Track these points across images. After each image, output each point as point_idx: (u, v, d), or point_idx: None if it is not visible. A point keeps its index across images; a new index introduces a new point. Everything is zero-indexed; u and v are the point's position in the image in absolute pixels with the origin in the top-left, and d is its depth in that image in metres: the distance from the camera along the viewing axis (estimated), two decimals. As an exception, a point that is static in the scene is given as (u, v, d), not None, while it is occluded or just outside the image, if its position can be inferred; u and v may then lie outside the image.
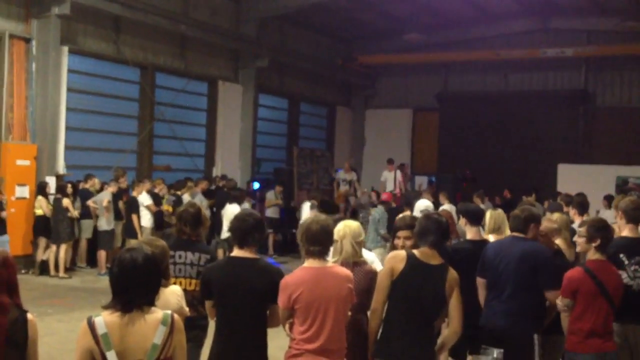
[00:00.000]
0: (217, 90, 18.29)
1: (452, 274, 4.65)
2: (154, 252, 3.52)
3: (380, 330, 4.62)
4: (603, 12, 19.47)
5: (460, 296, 4.68)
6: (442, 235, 4.71)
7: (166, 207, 13.73)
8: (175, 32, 16.38)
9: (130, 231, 13.16)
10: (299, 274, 4.33)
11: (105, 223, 13.25)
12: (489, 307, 5.49)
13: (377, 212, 11.82)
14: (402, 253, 4.65)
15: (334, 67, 22.30)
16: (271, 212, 16.67)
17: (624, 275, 5.32)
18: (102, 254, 13.26)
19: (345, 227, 5.02)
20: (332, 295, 4.28)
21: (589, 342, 4.90)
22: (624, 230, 5.64)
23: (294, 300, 4.23)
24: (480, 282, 5.66)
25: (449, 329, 4.71)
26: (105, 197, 13.21)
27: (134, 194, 13.41)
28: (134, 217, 13.13)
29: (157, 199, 13.69)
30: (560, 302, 5.04)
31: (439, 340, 4.78)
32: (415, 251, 4.65)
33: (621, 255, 5.39)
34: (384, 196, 13.86)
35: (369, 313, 4.69)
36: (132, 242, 12.63)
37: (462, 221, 6.46)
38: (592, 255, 5.06)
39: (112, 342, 3.09)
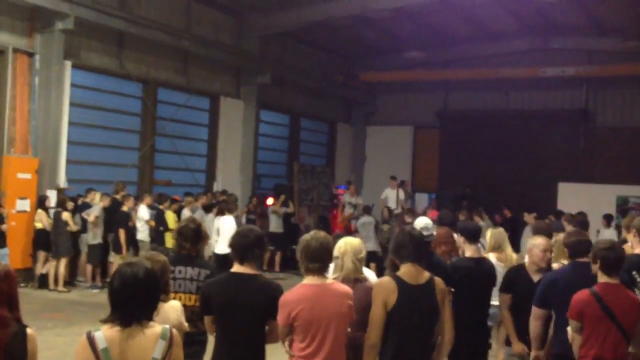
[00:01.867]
0: (218, 106, 18.35)
1: (439, 284, 4.67)
2: (154, 267, 3.52)
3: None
4: (604, 32, 19.57)
5: (450, 305, 4.69)
6: (420, 247, 4.68)
7: (150, 222, 13.69)
8: (178, 48, 16.46)
9: (116, 246, 13.14)
10: (298, 291, 4.32)
11: (91, 237, 13.21)
12: (563, 336, 5.21)
13: None
14: (391, 283, 4.52)
15: (335, 84, 22.37)
16: (274, 227, 16.58)
17: (638, 293, 5.27)
18: (88, 267, 13.25)
19: (347, 244, 5.00)
20: (332, 313, 4.27)
21: None
22: (637, 248, 5.64)
23: (294, 317, 4.22)
24: (539, 313, 5.47)
25: (443, 339, 4.71)
26: (93, 211, 13.18)
27: (124, 208, 13.38)
28: (121, 231, 13.09)
29: (159, 213, 13.69)
30: (570, 325, 4.97)
31: (434, 353, 4.76)
32: (401, 275, 4.57)
33: (634, 273, 5.35)
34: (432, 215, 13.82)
35: (365, 345, 4.60)
36: (116, 257, 12.66)
37: (461, 239, 6.47)
38: (601, 277, 4.89)
39: (112, 357, 3.09)
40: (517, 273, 6.12)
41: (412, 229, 4.91)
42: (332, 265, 4.79)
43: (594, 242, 5.35)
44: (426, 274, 4.63)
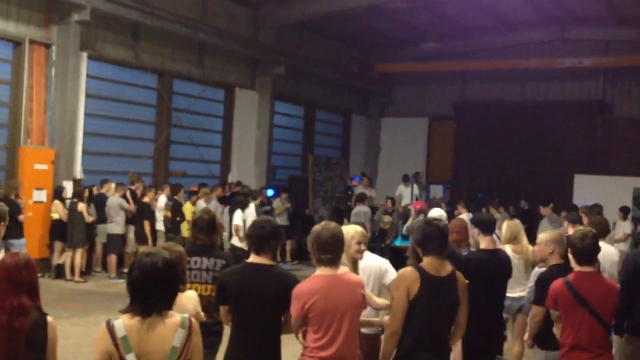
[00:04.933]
0: (233, 97, 18.36)
1: (461, 279, 4.70)
2: (171, 257, 3.53)
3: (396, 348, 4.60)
4: (621, 23, 19.37)
5: (467, 300, 4.72)
6: (445, 241, 4.72)
7: (165, 213, 13.75)
8: (194, 39, 16.47)
9: (140, 237, 13.20)
10: (311, 283, 4.32)
11: (116, 227, 13.34)
12: None
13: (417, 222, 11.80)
14: (414, 272, 4.56)
15: (350, 75, 22.32)
16: (280, 220, 16.59)
17: None
18: (112, 258, 13.35)
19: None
20: (346, 303, 4.28)
21: (573, 355, 4.81)
22: None
23: (308, 308, 4.22)
24: None
25: (456, 330, 4.73)
26: (116, 201, 13.32)
27: (145, 199, 13.46)
28: (146, 223, 13.16)
29: (175, 204, 13.76)
30: (550, 313, 5.08)
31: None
32: (424, 266, 4.60)
33: None
34: (417, 206, 13.79)
35: (386, 332, 4.65)
36: (141, 248, 12.68)
37: (475, 231, 6.45)
38: (575, 266, 5.00)
39: (131, 345, 3.11)
40: None
41: (440, 222, 4.92)
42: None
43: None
44: (448, 267, 4.66)
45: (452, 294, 4.60)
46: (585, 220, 9.12)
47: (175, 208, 13.62)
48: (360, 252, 5.20)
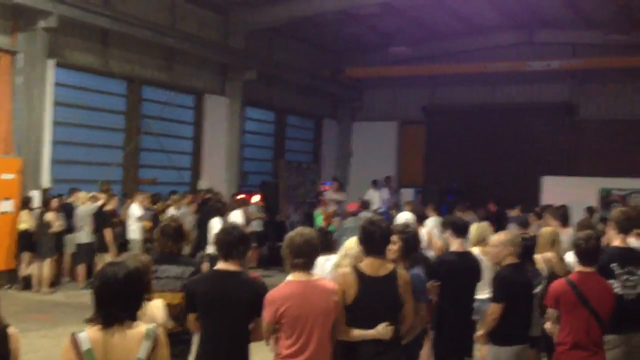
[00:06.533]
0: (203, 103, 18.28)
1: (403, 277, 4.66)
2: (137, 266, 3.50)
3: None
4: (588, 25, 19.67)
5: (412, 296, 4.69)
6: (386, 240, 4.69)
7: (145, 223, 13.59)
8: (163, 45, 16.35)
9: (101, 246, 13.01)
10: (285, 288, 4.31)
11: (84, 236, 13.16)
12: None
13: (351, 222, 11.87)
14: (351, 275, 4.51)
15: (321, 80, 22.35)
16: (254, 226, 16.56)
17: (615, 284, 5.38)
18: (81, 268, 13.16)
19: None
20: (319, 309, 4.27)
21: (572, 353, 4.89)
22: (615, 240, 5.71)
23: (281, 314, 4.21)
24: None
25: (405, 325, 4.73)
26: (85, 209, 13.14)
27: (108, 207, 13.28)
28: (106, 231, 12.93)
29: (156, 215, 13.62)
30: (547, 312, 5.16)
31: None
32: (362, 267, 4.56)
33: (612, 265, 5.47)
34: (351, 207, 13.81)
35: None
36: (105, 257, 12.55)
37: (447, 233, 6.50)
38: (577, 266, 5.14)
39: (96, 358, 3.08)
40: None
41: (382, 221, 4.88)
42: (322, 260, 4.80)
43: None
44: (389, 266, 4.64)
45: (392, 293, 4.55)
46: (552, 222, 9.24)
47: (155, 218, 13.47)
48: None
